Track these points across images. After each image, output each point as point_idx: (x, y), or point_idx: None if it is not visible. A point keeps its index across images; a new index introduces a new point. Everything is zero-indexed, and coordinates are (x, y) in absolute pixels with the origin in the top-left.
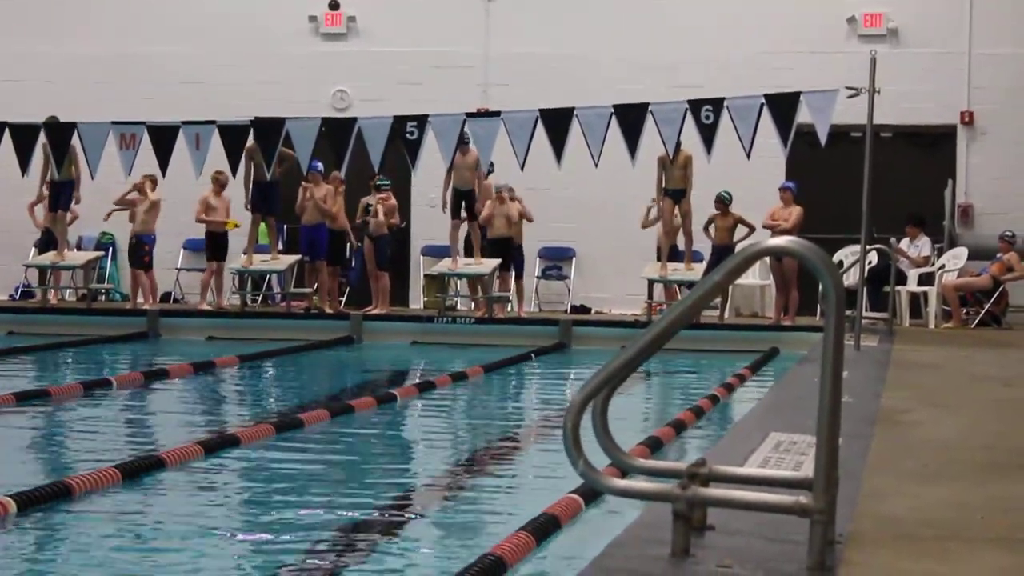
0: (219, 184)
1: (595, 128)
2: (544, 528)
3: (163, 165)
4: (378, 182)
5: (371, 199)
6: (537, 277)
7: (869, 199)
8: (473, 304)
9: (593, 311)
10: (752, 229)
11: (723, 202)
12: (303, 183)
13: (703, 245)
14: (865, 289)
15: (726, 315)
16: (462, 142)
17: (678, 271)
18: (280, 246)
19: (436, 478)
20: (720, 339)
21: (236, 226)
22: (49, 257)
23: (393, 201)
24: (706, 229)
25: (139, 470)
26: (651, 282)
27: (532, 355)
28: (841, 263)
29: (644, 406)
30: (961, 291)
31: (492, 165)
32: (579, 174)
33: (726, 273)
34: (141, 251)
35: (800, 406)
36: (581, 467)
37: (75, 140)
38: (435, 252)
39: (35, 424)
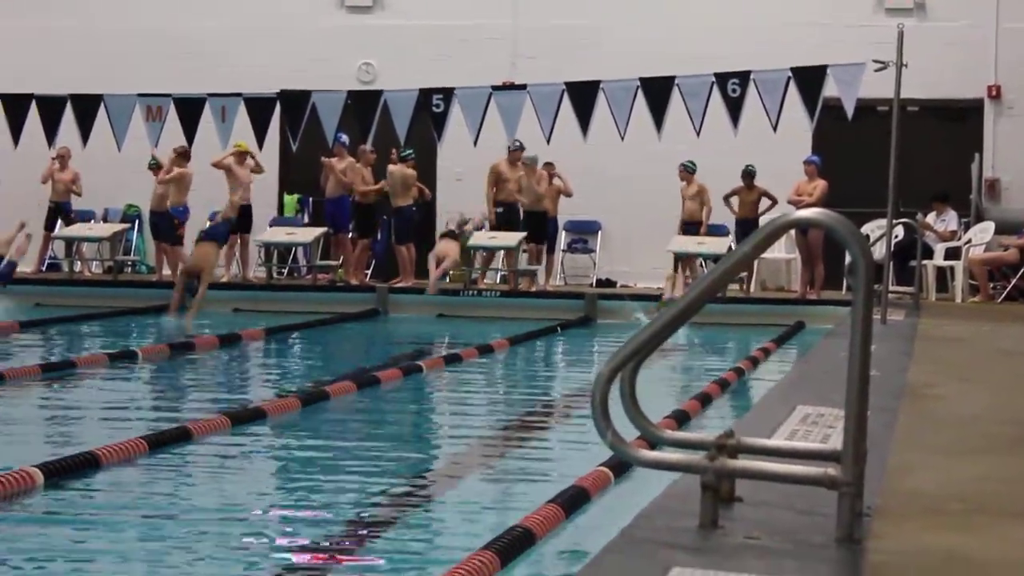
0: (240, 155)
1: (621, 101)
2: (573, 500)
3: (189, 137)
4: (401, 153)
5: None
6: (563, 250)
7: (896, 173)
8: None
9: (618, 284)
10: (774, 202)
11: (750, 176)
12: (323, 157)
13: (725, 218)
14: (892, 263)
15: (751, 289)
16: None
17: (704, 244)
18: (306, 219)
19: (463, 450)
20: (746, 313)
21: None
22: (75, 229)
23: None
24: (727, 201)
25: (166, 441)
26: (677, 256)
27: (558, 328)
28: (867, 237)
29: (670, 379)
30: (988, 265)
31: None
32: (605, 147)
33: (754, 245)
34: (173, 224)
35: (827, 379)
36: (610, 438)
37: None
38: None
39: (61, 395)
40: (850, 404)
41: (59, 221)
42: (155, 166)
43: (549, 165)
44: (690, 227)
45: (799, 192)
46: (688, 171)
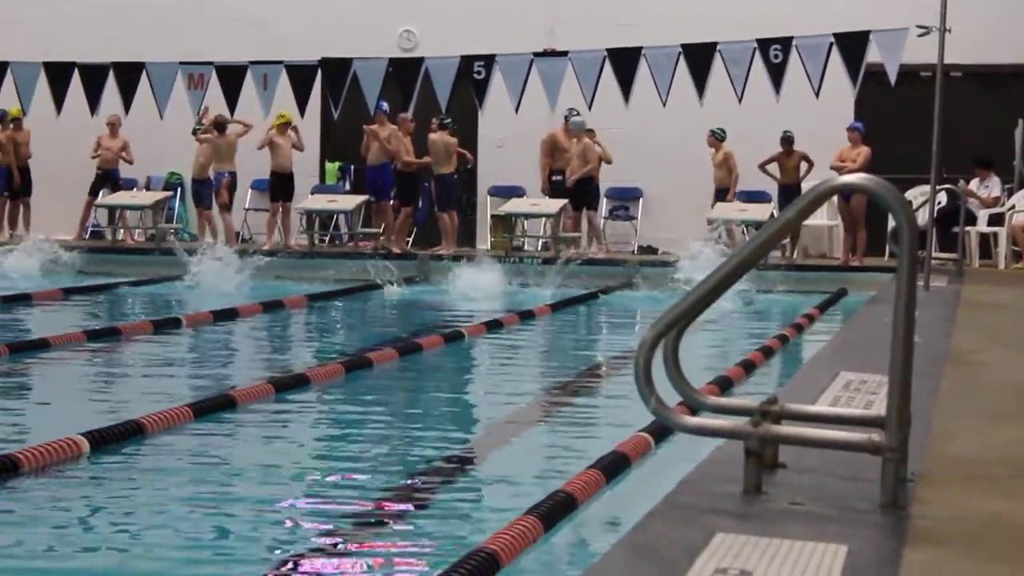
0: (282, 125)
1: (663, 68)
2: (614, 466)
3: (231, 105)
4: (442, 121)
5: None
6: (604, 217)
7: (939, 139)
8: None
9: (660, 251)
10: (811, 165)
11: (789, 142)
12: (365, 125)
13: (766, 185)
14: (935, 230)
15: (794, 256)
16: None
17: (746, 211)
18: (347, 186)
19: (505, 416)
20: (788, 280)
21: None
22: (118, 197)
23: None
24: (764, 169)
25: (210, 409)
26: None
27: (598, 294)
28: (910, 203)
29: (712, 346)
30: None
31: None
32: (647, 114)
33: (798, 210)
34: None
35: (870, 346)
36: (653, 404)
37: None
38: (502, 192)
39: (106, 362)
40: (894, 370)
41: (105, 188)
42: (199, 130)
43: (589, 132)
44: (721, 194)
45: (842, 159)
46: (717, 138)
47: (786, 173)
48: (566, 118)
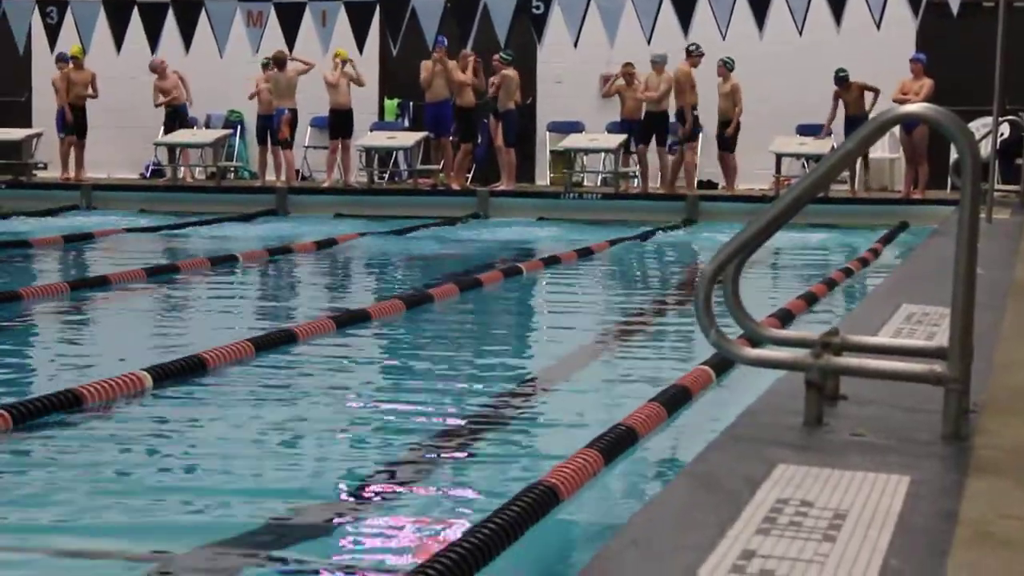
0: (339, 62)
1: (722, 0)
2: (675, 399)
3: (290, 43)
4: (504, 56)
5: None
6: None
7: (1002, 70)
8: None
9: (720, 186)
10: (876, 92)
11: (842, 80)
12: (423, 62)
13: (823, 117)
14: (997, 161)
15: (856, 188)
16: (697, 51)
17: (806, 144)
18: (406, 123)
19: (565, 350)
20: (849, 213)
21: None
22: (179, 135)
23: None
24: (834, 104)
25: (272, 344)
26: (779, 156)
27: (661, 230)
28: (972, 133)
29: (772, 280)
30: None
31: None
32: (706, 47)
33: (859, 140)
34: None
35: (932, 278)
36: (713, 336)
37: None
38: (561, 128)
39: (166, 299)
40: (956, 301)
41: (175, 125)
42: (267, 65)
43: (628, 65)
44: (723, 126)
45: (904, 91)
46: (727, 68)
47: (849, 106)
48: (689, 52)
